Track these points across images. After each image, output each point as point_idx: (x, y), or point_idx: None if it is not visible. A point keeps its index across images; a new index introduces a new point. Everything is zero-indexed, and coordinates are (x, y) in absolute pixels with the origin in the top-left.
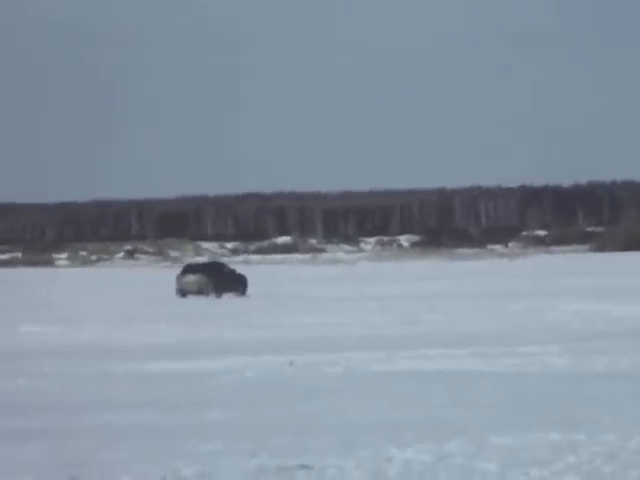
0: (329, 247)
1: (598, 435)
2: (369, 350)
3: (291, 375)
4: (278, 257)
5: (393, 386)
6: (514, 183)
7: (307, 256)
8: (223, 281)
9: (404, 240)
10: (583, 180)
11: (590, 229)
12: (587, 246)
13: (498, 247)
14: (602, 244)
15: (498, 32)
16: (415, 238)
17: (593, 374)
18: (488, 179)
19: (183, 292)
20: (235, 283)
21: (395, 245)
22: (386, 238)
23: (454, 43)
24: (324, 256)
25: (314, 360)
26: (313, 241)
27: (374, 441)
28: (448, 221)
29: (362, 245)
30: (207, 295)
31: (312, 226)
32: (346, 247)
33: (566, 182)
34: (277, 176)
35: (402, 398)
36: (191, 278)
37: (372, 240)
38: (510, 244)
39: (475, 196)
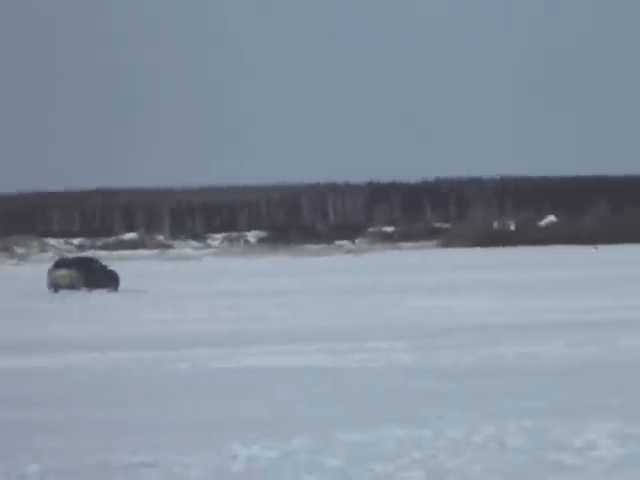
0: (176, 243)
1: (443, 430)
2: (215, 347)
3: (137, 372)
4: (125, 253)
5: (239, 383)
6: (362, 179)
7: (154, 252)
8: (94, 276)
9: (252, 236)
10: (430, 176)
11: (437, 225)
12: (434, 242)
13: (345, 243)
14: (449, 240)
15: None
16: (263, 234)
17: (439, 370)
18: (336, 176)
19: (56, 287)
20: (107, 279)
21: (242, 241)
22: (234, 234)
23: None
24: (171, 252)
25: (160, 357)
26: (160, 237)
27: (219, 438)
28: (296, 217)
29: (209, 241)
30: (79, 289)
31: (159, 222)
32: (193, 243)
33: (413, 179)
34: (124, 172)
35: (247, 395)
36: (63, 272)
37: (219, 236)
38: (357, 240)
39: (323, 192)
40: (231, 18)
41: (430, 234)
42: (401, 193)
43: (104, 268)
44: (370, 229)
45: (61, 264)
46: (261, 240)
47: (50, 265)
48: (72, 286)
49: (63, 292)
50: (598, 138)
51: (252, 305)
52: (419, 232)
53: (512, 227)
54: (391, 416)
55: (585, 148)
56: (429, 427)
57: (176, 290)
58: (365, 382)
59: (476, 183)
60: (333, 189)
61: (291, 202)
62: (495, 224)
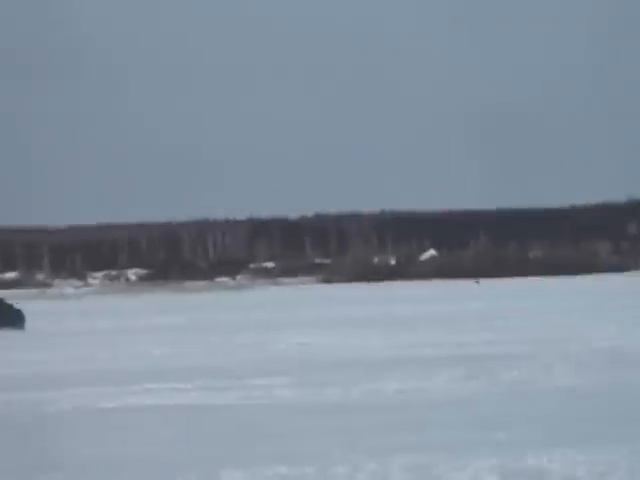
0: (56, 282)
1: (328, 467)
2: (96, 386)
3: (9, 414)
4: (5, 292)
5: (120, 422)
6: (241, 215)
7: (34, 291)
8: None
9: (132, 274)
10: (309, 212)
11: (318, 261)
12: (315, 277)
13: (226, 279)
14: (329, 275)
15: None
16: (143, 271)
17: (322, 406)
18: (215, 212)
19: None
20: (13, 317)
21: (123, 279)
22: (114, 272)
23: None
24: (51, 291)
25: (41, 398)
26: (40, 276)
27: (96, 479)
28: (176, 254)
29: (90, 280)
30: None
31: (39, 261)
32: (74, 282)
33: (293, 214)
34: (3, 209)
35: (128, 434)
36: None
37: (100, 274)
38: (238, 276)
39: (203, 229)
40: None
41: (311, 270)
42: (281, 229)
43: (10, 307)
44: (251, 265)
45: None
46: (142, 277)
47: None
48: None
49: None
50: (476, 171)
51: (132, 343)
52: (300, 268)
53: (392, 261)
54: (275, 454)
55: (464, 181)
56: (313, 464)
57: (54, 328)
58: (247, 419)
59: (356, 218)
60: (213, 225)
61: (171, 239)
62: (375, 259)
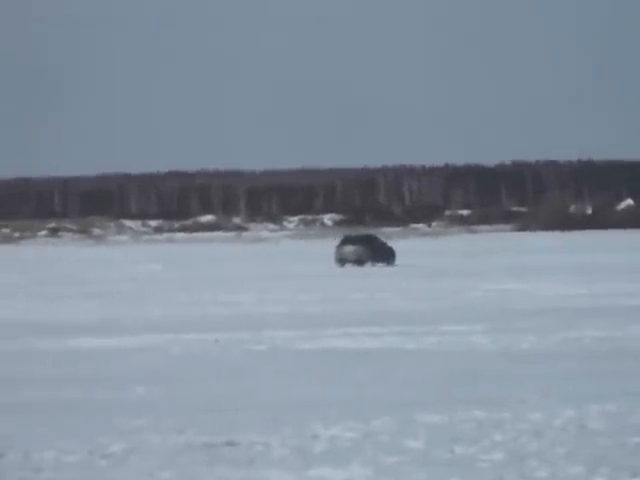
0: (252, 226)
1: (524, 413)
2: (293, 328)
3: (216, 353)
4: (202, 235)
5: (317, 364)
6: (438, 162)
7: (230, 234)
8: (376, 252)
9: (327, 219)
10: (507, 160)
11: (514, 209)
12: (510, 225)
13: (421, 226)
14: (526, 223)
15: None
16: (338, 217)
17: (518, 353)
18: (412, 158)
19: (342, 261)
20: (387, 254)
21: (318, 224)
22: (309, 217)
23: (377, 16)
24: (247, 234)
25: (238, 338)
26: (237, 219)
27: (300, 418)
28: (371, 200)
29: (285, 224)
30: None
31: (235, 205)
32: (270, 226)
33: (489, 162)
34: (200, 154)
35: (327, 376)
36: (350, 248)
37: (295, 219)
38: (433, 223)
39: (399, 175)
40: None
41: (506, 217)
42: (477, 176)
43: (384, 244)
44: (446, 212)
45: (348, 241)
46: (337, 223)
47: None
48: (359, 260)
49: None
50: None
51: (329, 287)
52: (495, 215)
53: (589, 210)
54: (471, 398)
55: None
56: (509, 410)
57: (254, 272)
58: (443, 365)
59: (553, 166)
60: (409, 171)
61: (367, 184)
62: (572, 208)
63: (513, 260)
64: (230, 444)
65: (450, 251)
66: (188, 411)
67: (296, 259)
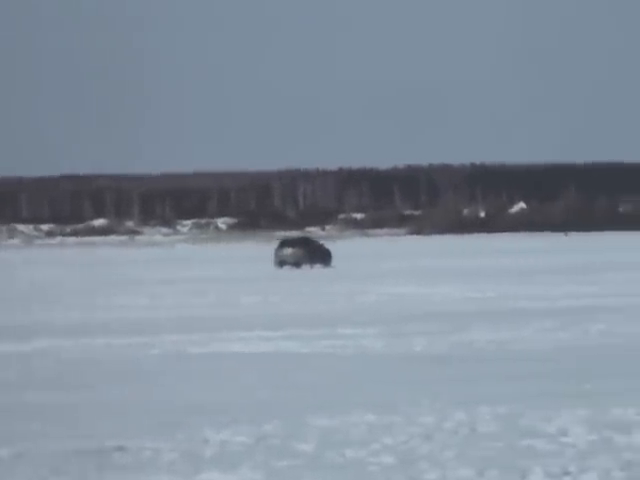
0: (146, 229)
1: (414, 416)
2: (186, 332)
3: (106, 358)
4: (94, 239)
5: (210, 368)
6: (332, 166)
7: (123, 238)
8: (313, 253)
9: (221, 223)
10: (400, 163)
11: (408, 212)
12: (404, 229)
13: (315, 230)
14: (419, 227)
15: None
16: (233, 220)
17: (410, 356)
18: (306, 162)
19: (282, 263)
20: (324, 255)
21: (212, 227)
22: (203, 220)
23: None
24: (141, 238)
25: (130, 342)
26: (130, 223)
27: (191, 423)
28: (266, 204)
29: (179, 227)
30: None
31: (129, 208)
32: (163, 229)
33: (383, 165)
34: (94, 158)
35: (219, 380)
36: (289, 251)
37: (189, 222)
38: (327, 227)
39: (293, 179)
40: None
41: (400, 221)
42: (371, 180)
43: (320, 246)
44: (340, 215)
45: (286, 244)
46: (231, 226)
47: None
48: (297, 263)
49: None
50: (569, 126)
51: (222, 291)
52: (389, 219)
53: (482, 214)
54: (362, 402)
55: (555, 136)
56: (400, 413)
57: (148, 276)
58: (335, 368)
59: (447, 170)
60: (304, 175)
61: (262, 188)
62: (465, 211)
63: (407, 264)
64: (120, 449)
65: (343, 255)
66: (78, 416)
67: (190, 263)
